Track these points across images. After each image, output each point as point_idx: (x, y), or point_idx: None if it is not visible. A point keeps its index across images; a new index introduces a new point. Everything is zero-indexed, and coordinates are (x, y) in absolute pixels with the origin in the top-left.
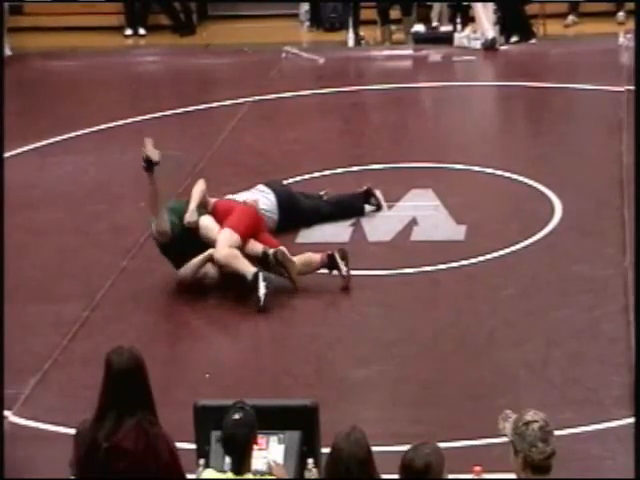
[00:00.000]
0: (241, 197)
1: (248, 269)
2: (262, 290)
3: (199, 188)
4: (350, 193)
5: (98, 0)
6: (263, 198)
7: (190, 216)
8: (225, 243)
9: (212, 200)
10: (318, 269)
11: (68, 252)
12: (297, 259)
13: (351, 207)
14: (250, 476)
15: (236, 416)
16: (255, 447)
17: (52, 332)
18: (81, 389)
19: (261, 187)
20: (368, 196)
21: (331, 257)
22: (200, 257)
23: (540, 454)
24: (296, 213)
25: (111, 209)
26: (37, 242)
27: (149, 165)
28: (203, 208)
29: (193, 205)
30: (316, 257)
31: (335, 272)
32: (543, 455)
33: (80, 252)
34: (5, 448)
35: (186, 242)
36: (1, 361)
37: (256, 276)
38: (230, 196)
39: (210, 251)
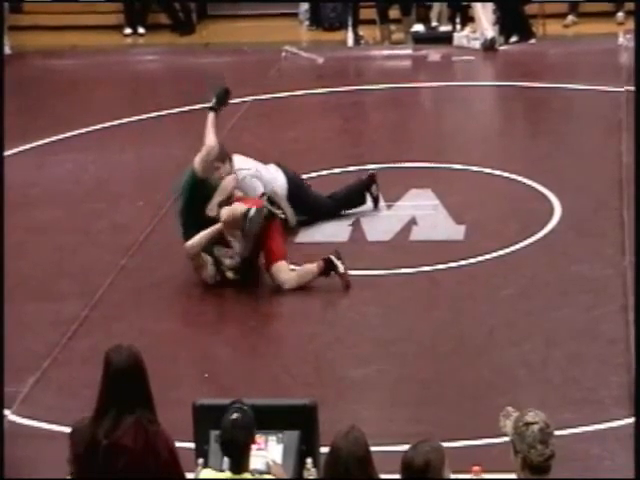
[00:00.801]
0: (252, 165)
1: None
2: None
3: (228, 186)
4: (353, 184)
5: (98, 0)
6: (273, 179)
7: (210, 210)
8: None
9: (238, 194)
10: (318, 276)
11: (67, 251)
12: (296, 274)
13: (355, 200)
14: (248, 476)
15: (234, 417)
16: (254, 446)
17: (51, 331)
18: (80, 388)
19: (273, 168)
20: (370, 183)
21: (328, 261)
22: (209, 230)
23: (539, 456)
24: (303, 200)
25: (111, 208)
26: (36, 241)
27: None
28: (227, 203)
29: (216, 200)
30: (312, 266)
31: (333, 272)
32: (542, 457)
33: (79, 251)
34: (4, 447)
35: (202, 216)
36: (1, 360)
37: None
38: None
39: (218, 225)
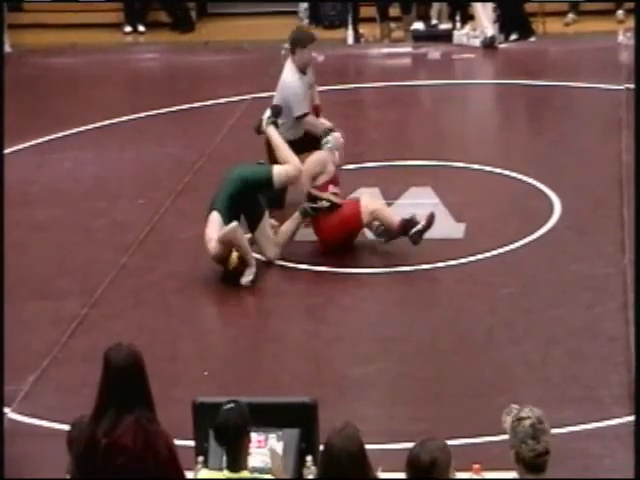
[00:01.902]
0: None
1: None
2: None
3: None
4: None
5: (98, 0)
6: None
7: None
8: None
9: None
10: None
11: (67, 249)
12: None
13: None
14: (247, 474)
15: (228, 407)
16: (254, 445)
17: (51, 329)
18: (80, 386)
19: None
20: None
21: (407, 221)
22: (236, 254)
23: (530, 451)
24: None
25: (110, 206)
26: (36, 239)
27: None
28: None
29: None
30: (395, 219)
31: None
32: (533, 453)
33: (79, 249)
34: (4, 445)
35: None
36: (1, 359)
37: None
38: None
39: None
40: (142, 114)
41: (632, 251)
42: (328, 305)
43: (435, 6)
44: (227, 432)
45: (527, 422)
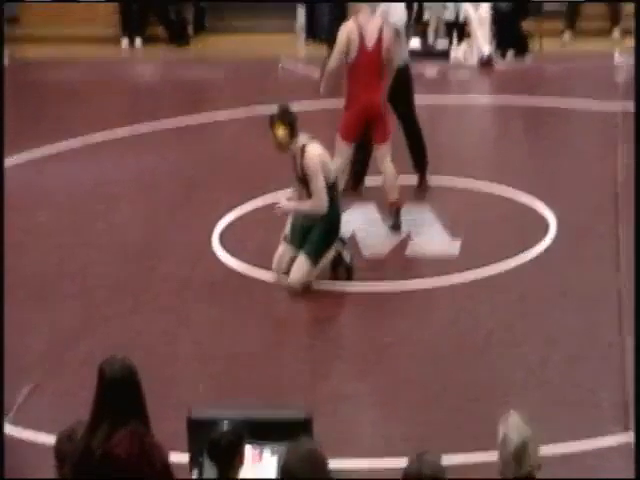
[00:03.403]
0: None
1: None
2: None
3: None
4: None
5: (96, 1)
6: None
7: None
8: None
9: None
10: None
11: (66, 251)
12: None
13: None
14: None
15: (224, 426)
16: (250, 460)
17: (50, 332)
18: (78, 389)
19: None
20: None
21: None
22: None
23: (512, 474)
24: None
25: (109, 209)
26: (35, 242)
27: None
28: None
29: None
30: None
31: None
32: (516, 474)
33: (78, 252)
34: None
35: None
36: (1, 362)
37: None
38: None
39: None
40: (139, 128)
41: (631, 254)
42: (324, 320)
43: (432, 24)
44: (219, 448)
45: (512, 445)
